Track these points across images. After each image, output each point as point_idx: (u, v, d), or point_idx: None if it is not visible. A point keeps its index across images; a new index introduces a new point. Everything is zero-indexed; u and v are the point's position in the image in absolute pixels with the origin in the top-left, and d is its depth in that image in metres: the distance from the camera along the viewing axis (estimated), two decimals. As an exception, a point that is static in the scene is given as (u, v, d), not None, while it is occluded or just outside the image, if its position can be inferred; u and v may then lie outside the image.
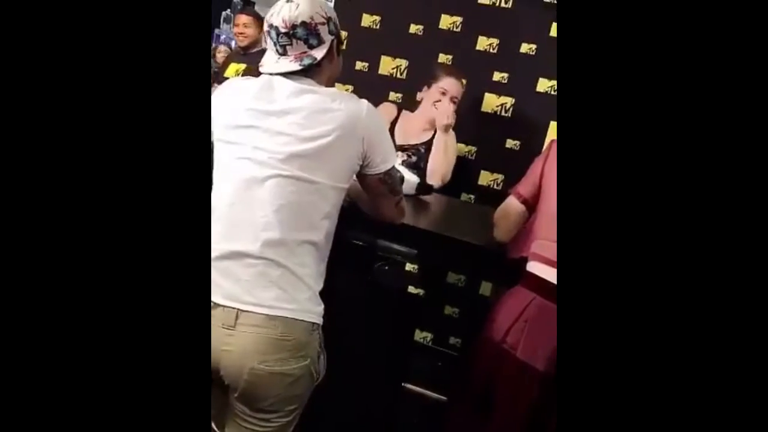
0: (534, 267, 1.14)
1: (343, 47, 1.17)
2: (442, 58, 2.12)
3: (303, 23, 1.03)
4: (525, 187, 1.22)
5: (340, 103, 1.02)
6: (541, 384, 1.08)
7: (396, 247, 1.27)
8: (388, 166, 1.10)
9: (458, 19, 2.09)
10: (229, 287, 0.97)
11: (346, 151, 1.02)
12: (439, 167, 1.83)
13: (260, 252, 0.97)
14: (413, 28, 2.13)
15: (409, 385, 1.59)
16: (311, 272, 1.02)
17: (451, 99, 1.86)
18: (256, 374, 0.96)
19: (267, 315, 0.96)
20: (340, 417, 1.32)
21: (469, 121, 2.10)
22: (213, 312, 0.96)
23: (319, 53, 1.05)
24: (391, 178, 1.13)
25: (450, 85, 1.87)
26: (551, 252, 1.11)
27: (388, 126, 1.77)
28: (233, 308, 0.96)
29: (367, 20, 2.18)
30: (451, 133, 1.87)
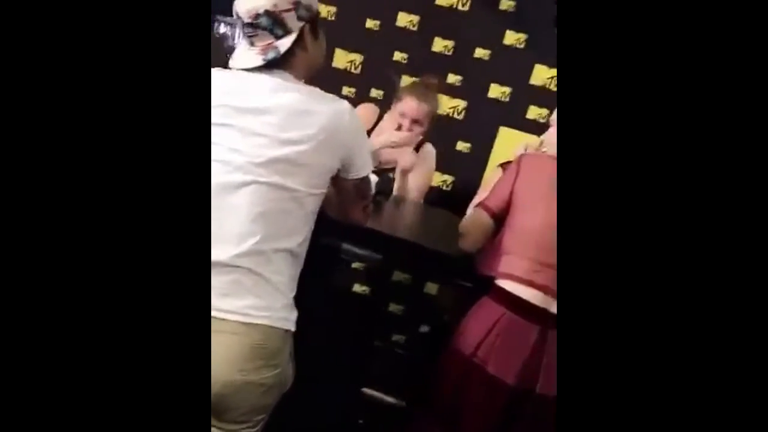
0: (504, 284, 1.15)
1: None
2: (398, 56, 2.11)
3: (266, 12, 0.96)
4: (493, 201, 1.22)
5: (321, 105, 0.97)
6: (511, 397, 1.10)
7: (359, 251, 1.26)
8: (366, 173, 1.07)
9: (415, 18, 2.09)
10: None
11: (326, 157, 0.98)
12: (418, 187, 1.78)
13: (235, 261, 0.92)
14: (370, 23, 2.11)
15: (367, 390, 1.57)
16: (286, 280, 0.98)
17: (413, 121, 1.67)
18: (231, 383, 0.91)
19: (242, 322, 0.92)
20: (299, 423, 1.28)
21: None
22: None
23: (284, 44, 0.98)
24: (366, 184, 1.10)
25: (409, 107, 1.67)
26: (522, 269, 1.12)
27: (368, 127, 1.72)
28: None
29: (323, 10, 2.14)
30: (426, 147, 1.81)
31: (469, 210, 1.93)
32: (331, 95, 1.01)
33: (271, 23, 0.97)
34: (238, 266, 0.92)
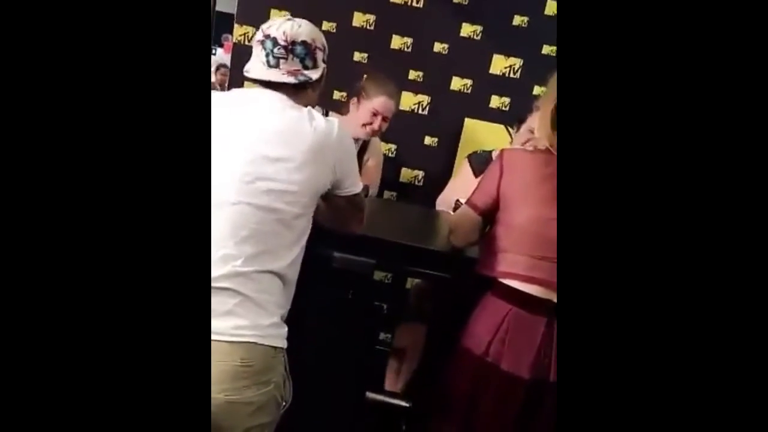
0: (507, 282, 1.16)
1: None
2: (357, 56, 2.11)
3: (303, 42, 1.02)
4: (481, 199, 1.23)
5: (312, 124, 0.99)
6: (528, 390, 1.11)
7: (338, 254, 1.25)
8: (357, 190, 1.09)
9: (371, 17, 2.09)
10: None
11: (315, 175, 0.99)
12: (374, 180, 1.88)
13: (217, 282, 0.91)
14: (326, 26, 2.10)
15: (371, 394, 1.57)
16: (275, 299, 0.97)
17: (384, 119, 1.72)
18: (216, 405, 0.89)
19: (226, 342, 0.90)
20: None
21: (387, 119, 2.12)
22: None
23: (314, 74, 1.05)
24: (359, 198, 1.11)
25: (382, 105, 1.70)
26: (521, 266, 1.13)
27: None
28: None
29: (276, 15, 2.12)
30: (374, 141, 1.88)
31: (438, 201, 1.97)
32: (322, 116, 1.04)
33: (305, 53, 1.03)
34: (220, 287, 0.91)
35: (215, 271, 0.91)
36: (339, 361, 1.38)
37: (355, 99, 1.75)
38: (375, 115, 1.70)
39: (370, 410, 1.55)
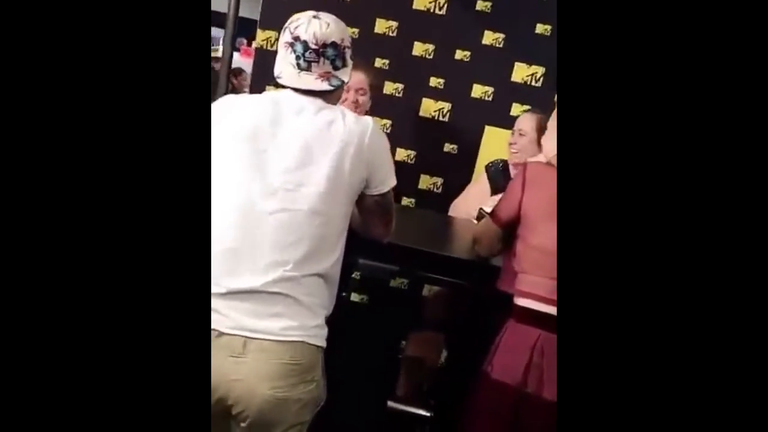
0: (527, 303, 1.13)
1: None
2: (379, 62, 2.12)
3: (333, 43, 1.02)
4: (504, 213, 1.22)
5: (346, 124, 1.00)
6: None
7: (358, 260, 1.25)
8: (386, 188, 1.08)
9: (393, 24, 2.10)
10: (235, 317, 0.94)
11: (352, 175, 1.00)
12: None
13: (267, 287, 0.94)
14: (348, 32, 2.11)
15: (392, 403, 1.56)
16: (320, 301, 1.00)
17: (357, 91, 1.70)
18: (267, 401, 0.93)
19: (276, 340, 0.94)
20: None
21: (407, 125, 2.11)
22: (218, 341, 0.92)
23: (345, 76, 1.06)
24: (386, 200, 1.11)
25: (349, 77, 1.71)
26: (545, 290, 1.10)
27: None
28: (240, 336, 0.92)
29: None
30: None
31: (452, 209, 1.95)
32: (355, 115, 1.05)
33: (335, 55, 1.03)
34: (269, 291, 0.94)
35: (268, 277, 0.94)
36: (360, 369, 1.37)
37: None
38: (347, 91, 1.66)
39: (391, 419, 1.54)
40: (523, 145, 1.75)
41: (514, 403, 1.11)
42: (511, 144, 1.79)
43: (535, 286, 1.12)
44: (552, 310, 1.09)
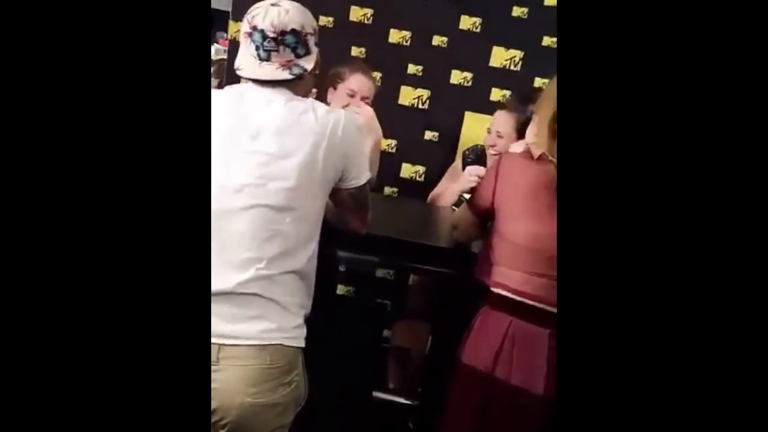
0: (501, 292, 1.13)
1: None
2: (355, 51, 2.09)
3: (293, 30, 0.98)
4: (480, 202, 1.22)
5: (317, 116, 0.97)
6: (544, 404, 1.07)
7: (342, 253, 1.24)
8: (361, 181, 1.06)
9: (369, 11, 2.07)
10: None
11: (325, 169, 0.97)
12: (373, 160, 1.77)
13: (240, 288, 0.91)
14: (323, 20, 2.07)
15: (378, 393, 1.56)
16: (298, 300, 0.98)
17: (362, 99, 1.65)
18: (246, 409, 0.90)
19: (253, 345, 0.91)
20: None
21: (387, 114, 2.09)
22: None
23: (308, 64, 1.01)
24: (362, 193, 1.08)
25: (357, 83, 1.64)
26: (518, 282, 1.10)
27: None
28: (214, 344, 0.89)
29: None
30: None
31: (430, 198, 1.95)
32: (326, 106, 1.01)
33: (296, 42, 0.99)
34: (245, 293, 0.91)
35: (240, 276, 0.91)
36: (345, 360, 1.37)
37: (331, 88, 1.69)
38: (352, 96, 1.64)
39: (377, 409, 1.54)
40: (503, 147, 1.73)
41: (483, 387, 1.12)
42: (490, 146, 1.77)
43: (508, 278, 1.12)
44: (526, 300, 1.10)
